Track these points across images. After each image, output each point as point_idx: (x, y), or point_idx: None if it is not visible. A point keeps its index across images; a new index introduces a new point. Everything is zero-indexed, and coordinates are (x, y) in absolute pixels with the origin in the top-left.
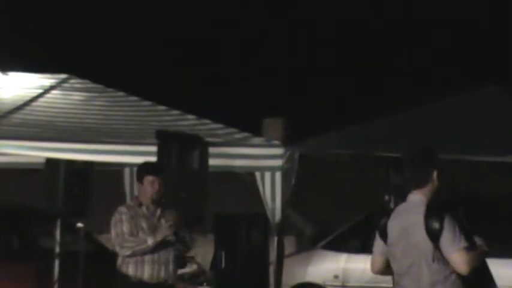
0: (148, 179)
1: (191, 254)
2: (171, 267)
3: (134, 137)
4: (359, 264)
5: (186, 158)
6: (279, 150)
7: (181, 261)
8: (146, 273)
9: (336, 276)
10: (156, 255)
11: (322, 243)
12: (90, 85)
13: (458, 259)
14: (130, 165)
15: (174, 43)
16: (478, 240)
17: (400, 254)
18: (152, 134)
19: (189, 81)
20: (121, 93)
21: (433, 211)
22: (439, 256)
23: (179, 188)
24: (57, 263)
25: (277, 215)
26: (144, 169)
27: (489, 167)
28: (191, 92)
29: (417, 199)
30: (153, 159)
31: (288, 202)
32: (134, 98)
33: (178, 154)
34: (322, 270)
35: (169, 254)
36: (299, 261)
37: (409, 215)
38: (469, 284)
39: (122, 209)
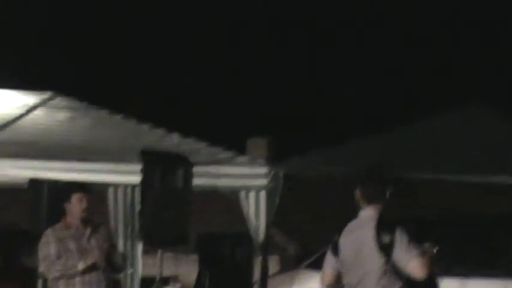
0: (77, 196)
1: (175, 273)
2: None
3: (118, 156)
4: None
5: (170, 177)
6: (263, 170)
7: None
8: None
9: None
10: (86, 277)
11: (306, 262)
12: (74, 104)
13: (415, 265)
14: (114, 185)
15: (162, 62)
16: (428, 247)
17: (351, 268)
18: (136, 153)
19: (175, 101)
20: (105, 112)
21: (384, 225)
22: (390, 270)
23: (163, 207)
24: (40, 282)
25: (261, 235)
26: (71, 187)
27: (473, 187)
28: (176, 110)
29: (368, 215)
30: (137, 178)
31: (272, 221)
32: (118, 117)
33: (162, 173)
34: None
35: (100, 275)
36: (283, 280)
37: (360, 230)
38: None
39: (49, 231)
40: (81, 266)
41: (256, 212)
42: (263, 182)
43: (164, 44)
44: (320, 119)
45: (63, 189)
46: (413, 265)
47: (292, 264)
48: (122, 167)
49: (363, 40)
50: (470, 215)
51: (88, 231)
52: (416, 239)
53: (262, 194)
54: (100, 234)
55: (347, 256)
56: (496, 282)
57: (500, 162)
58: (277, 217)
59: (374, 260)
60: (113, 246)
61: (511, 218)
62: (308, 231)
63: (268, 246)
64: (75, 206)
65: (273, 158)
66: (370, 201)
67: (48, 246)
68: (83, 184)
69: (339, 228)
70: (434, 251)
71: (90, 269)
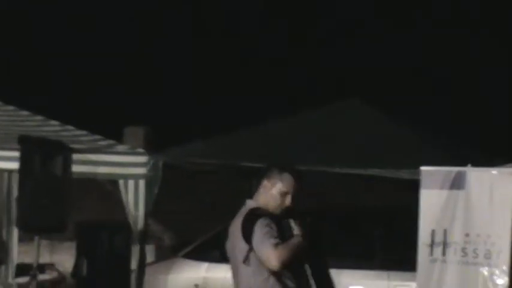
0: None
1: (50, 261)
2: None
3: None
4: (219, 274)
5: (49, 163)
6: (143, 158)
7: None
8: None
9: (196, 286)
10: None
11: (183, 252)
12: None
13: (268, 255)
14: None
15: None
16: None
17: (230, 255)
18: (15, 139)
19: (55, 87)
20: None
21: (251, 215)
22: (254, 259)
23: (41, 194)
24: None
25: (140, 223)
26: None
27: (354, 180)
28: (57, 98)
29: (248, 205)
30: (15, 164)
31: (150, 211)
32: None
33: (41, 160)
34: (183, 279)
35: None
36: (160, 269)
37: (236, 219)
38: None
39: None
40: None
41: (135, 200)
42: (142, 170)
43: (43, 31)
44: (202, 110)
45: None
46: (266, 253)
47: (167, 254)
48: (0, 153)
49: (252, 30)
50: (344, 207)
51: None
52: (285, 233)
53: (141, 183)
54: None
55: (228, 245)
56: (369, 274)
57: (377, 155)
58: (154, 206)
59: (240, 248)
60: None
61: (385, 211)
62: (184, 222)
63: (146, 236)
64: None
65: (151, 148)
66: (252, 193)
67: None
68: None
69: (217, 219)
70: (300, 239)
71: None
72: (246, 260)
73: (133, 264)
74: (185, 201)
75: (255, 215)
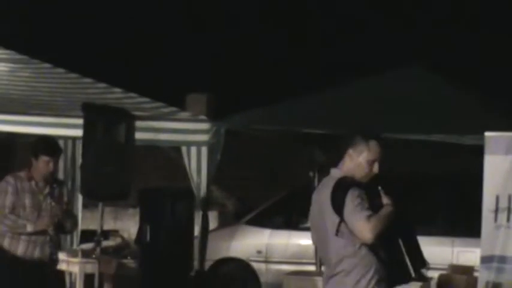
0: (44, 159)
1: (114, 227)
2: (47, 248)
3: (60, 109)
4: (282, 240)
5: (112, 131)
6: (205, 125)
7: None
8: (20, 250)
9: (259, 252)
10: (33, 237)
11: (246, 218)
12: (15, 56)
13: (361, 227)
14: (56, 138)
15: (104, 14)
16: (386, 201)
17: (316, 226)
18: (78, 107)
19: (117, 55)
20: (47, 65)
21: (340, 185)
22: (345, 230)
23: (104, 161)
24: None
25: (203, 190)
26: (40, 147)
27: (417, 146)
28: (118, 65)
29: (334, 174)
30: (78, 131)
31: (213, 177)
32: (60, 70)
33: (104, 127)
34: (246, 245)
35: (46, 236)
36: (223, 236)
37: (323, 189)
38: (383, 257)
39: (10, 179)
40: (29, 228)
41: (197, 167)
42: (205, 137)
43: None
44: (263, 76)
45: (34, 143)
46: (358, 226)
47: (230, 220)
48: (64, 120)
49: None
50: (408, 173)
51: (47, 189)
52: (373, 202)
53: (204, 150)
54: (57, 194)
55: (312, 214)
56: (434, 240)
57: (440, 121)
58: (216, 173)
59: (330, 220)
60: (67, 207)
61: (449, 177)
62: (247, 188)
63: (208, 202)
64: (42, 167)
65: (213, 114)
66: (336, 161)
67: (5, 197)
68: (53, 146)
69: (279, 186)
70: (390, 208)
71: (38, 231)
72: (338, 232)
73: (196, 231)
74: (247, 167)
75: (343, 185)
